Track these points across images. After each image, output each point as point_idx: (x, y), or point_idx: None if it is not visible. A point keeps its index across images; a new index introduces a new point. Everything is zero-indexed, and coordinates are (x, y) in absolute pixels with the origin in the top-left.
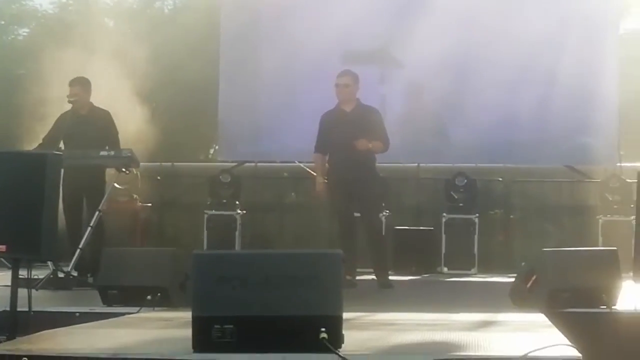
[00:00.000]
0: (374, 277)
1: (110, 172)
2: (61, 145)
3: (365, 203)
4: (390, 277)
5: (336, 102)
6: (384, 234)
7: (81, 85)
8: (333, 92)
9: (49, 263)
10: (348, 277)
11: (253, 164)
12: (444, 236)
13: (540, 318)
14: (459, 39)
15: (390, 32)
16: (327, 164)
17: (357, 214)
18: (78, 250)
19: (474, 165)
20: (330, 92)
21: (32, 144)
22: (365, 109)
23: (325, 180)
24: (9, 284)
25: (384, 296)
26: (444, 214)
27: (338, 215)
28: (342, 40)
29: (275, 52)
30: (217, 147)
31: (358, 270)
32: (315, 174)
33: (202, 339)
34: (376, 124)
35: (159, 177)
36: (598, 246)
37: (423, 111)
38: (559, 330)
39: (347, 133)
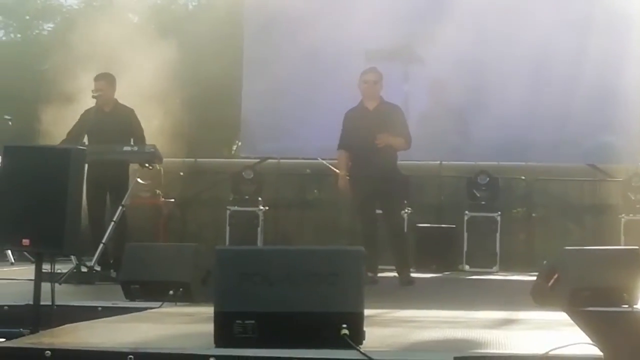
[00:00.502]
0: (395, 274)
1: (133, 167)
2: (85, 140)
3: (387, 200)
4: (412, 275)
5: (359, 99)
6: (405, 231)
7: (106, 80)
8: (356, 89)
9: (72, 257)
10: (370, 274)
11: (275, 160)
12: (465, 234)
13: (561, 316)
14: (480, 36)
15: (412, 29)
16: (350, 161)
17: (378, 211)
18: (101, 245)
19: (496, 163)
20: (353, 89)
21: (56, 138)
22: (388, 106)
23: (348, 177)
24: (33, 278)
25: (405, 293)
26: (466, 212)
27: (360, 212)
28: (364, 38)
29: (297, 49)
30: (239, 144)
31: (379, 267)
32: (338, 170)
33: (224, 334)
34: (398, 121)
35: (182, 173)
36: (620, 245)
37: (446, 108)
38: (581, 328)
39: (370, 130)
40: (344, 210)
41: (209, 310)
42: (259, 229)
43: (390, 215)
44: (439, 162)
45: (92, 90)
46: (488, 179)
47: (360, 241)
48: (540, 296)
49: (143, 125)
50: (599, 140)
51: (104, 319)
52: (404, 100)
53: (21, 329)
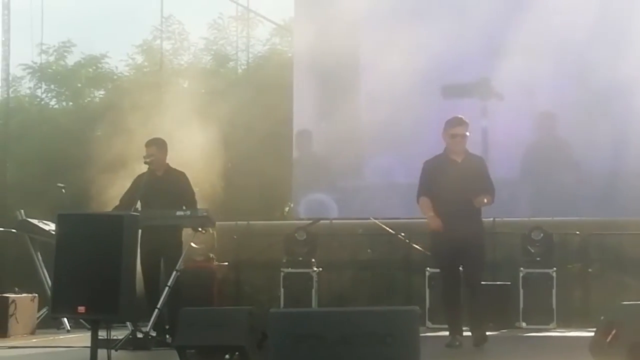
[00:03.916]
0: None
1: (187, 231)
2: (138, 205)
3: (473, 257)
4: (469, 333)
5: (424, 146)
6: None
7: (157, 146)
8: (424, 137)
9: (128, 323)
10: (457, 336)
11: (328, 221)
12: (521, 291)
13: None
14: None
15: (490, 63)
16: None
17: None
18: (156, 310)
19: (550, 218)
20: (426, 133)
21: (109, 205)
22: (474, 159)
23: (432, 214)
24: (89, 344)
25: (461, 351)
26: (521, 269)
27: (444, 269)
28: (440, 74)
29: (351, 108)
30: (292, 205)
31: (436, 326)
32: (426, 214)
33: None
34: (485, 175)
35: (235, 236)
36: None
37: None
38: None
39: (459, 185)
40: (398, 269)
41: None
42: (313, 290)
43: (473, 272)
44: (492, 218)
45: (144, 156)
46: (542, 234)
47: (442, 300)
48: (599, 352)
49: (195, 188)
50: None
51: None
52: (482, 136)
53: None
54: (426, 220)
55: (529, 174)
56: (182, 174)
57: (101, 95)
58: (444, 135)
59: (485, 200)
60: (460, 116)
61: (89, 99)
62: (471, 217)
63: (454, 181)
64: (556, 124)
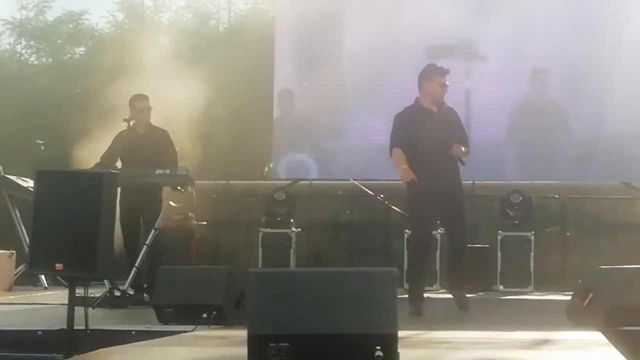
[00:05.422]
0: (428, 295)
1: (166, 190)
2: (119, 163)
3: (456, 216)
4: (445, 296)
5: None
6: (438, 251)
7: (148, 100)
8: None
9: (105, 281)
10: (418, 304)
11: (308, 182)
12: (499, 254)
13: (597, 336)
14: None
15: (473, 24)
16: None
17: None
18: (134, 269)
19: (529, 182)
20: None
21: (89, 163)
22: (451, 110)
23: (405, 166)
24: (66, 302)
25: (438, 314)
26: (500, 232)
27: (417, 231)
28: (424, 34)
29: (333, 66)
30: (271, 165)
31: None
32: (398, 165)
33: (257, 357)
34: (461, 126)
35: (214, 196)
36: None
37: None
38: (617, 348)
39: (437, 136)
40: (377, 231)
41: (242, 333)
42: (292, 250)
43: (458, 232)
44: (472, 181)
45: (139, 109)
46: (521, 198)
47: (412, 262)
48: (576, 316)
49: (175, 147)
50: (633, 157)
51: (138, 342)
52: (465, 98)
53: (55, 354)
54: (398, 172)
55: (515, 133)
56: (165, 132)
57: (81, 52)
58: (426, 83)
59: (463, 149)
60: (445, 67)
61: (69, 55)
62: (451, 170)
63: (431, 132)
64: (549, 80)
